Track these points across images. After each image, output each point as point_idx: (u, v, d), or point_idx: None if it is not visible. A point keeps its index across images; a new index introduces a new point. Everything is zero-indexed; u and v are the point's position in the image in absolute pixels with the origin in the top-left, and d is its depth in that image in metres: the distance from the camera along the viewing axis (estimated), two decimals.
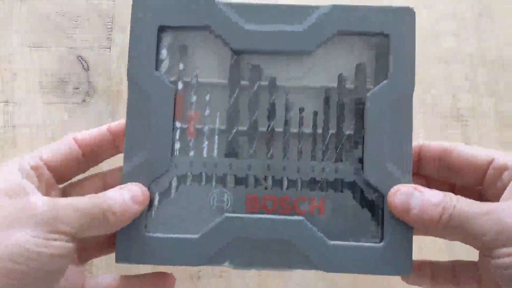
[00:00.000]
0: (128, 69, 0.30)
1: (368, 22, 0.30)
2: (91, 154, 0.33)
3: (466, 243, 0.26)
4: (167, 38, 0.31)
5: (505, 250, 0.24)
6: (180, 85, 0.31)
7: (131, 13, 0.30)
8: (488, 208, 0.25)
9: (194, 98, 0.31)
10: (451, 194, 0.26)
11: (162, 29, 0.30)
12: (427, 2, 0.45)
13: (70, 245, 0.27)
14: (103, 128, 0.33)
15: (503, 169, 0.27)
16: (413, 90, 0.29)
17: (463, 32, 0.45)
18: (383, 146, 0.29)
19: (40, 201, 0.27)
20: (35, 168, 0.30)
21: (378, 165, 0.29)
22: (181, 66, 0.31)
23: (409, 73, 0.29)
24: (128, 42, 0.30)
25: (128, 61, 0.30)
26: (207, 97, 0.31)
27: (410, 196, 0.27)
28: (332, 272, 0.28)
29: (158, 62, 0.30)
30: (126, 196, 0.28)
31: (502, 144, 0.42)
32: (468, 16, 0.45)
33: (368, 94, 0.29)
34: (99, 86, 0.45)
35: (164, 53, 0.30)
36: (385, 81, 0.29)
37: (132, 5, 0.30)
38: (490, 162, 0.28)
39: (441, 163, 0.31)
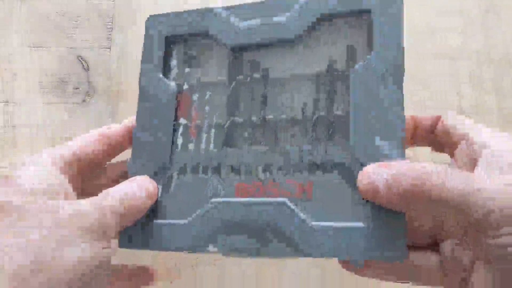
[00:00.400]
0: (139, 77, 0.34)
1: (349, 1, 0.29)
2: (114, 149, 0.33)
3: (453, 220, 0.24)
4: (176, 49, 0.34)
5: (503, 229, 0.22)
6: (185, 86, 0.33)
7: (145, 29, 0.34)
8: (478, 183, 0.23)
9: (196, 96, 0.33)
10: (423, 165, 0.24)
11: (171, 42, 0.34)
12: None
13: (113, 249, 0.27)
14: (124, 124, 0.33)
15: (470, 144, 0.26)
16: (401, 62, 0.28)
17: (469, 28, 0.44)
18: (369, 121, 0.27)
19: (87, 206, 0.26)
20: (69, 164, 0.29)
21: (365, 141, 0.27)
22: (187, 70, 0.33)
23: (395, 44, 0.28)
24: (141, 53, 0.34)
25: (140, 69, 0.34)
26: (207, 95, 0.32)
27: (377, 175, 0.24)
28: (315, 257, 0.27)
29: (167, 69, 0.34)
30: (143, 194, 0.29)
31: None
32: (475, 13, 0.44)
33: (351, 69, 0.28)
34: (99, 86, 0.45)
35: (174, 62, 0.34)
36: (368, 56, 0.28)
37: (146, 22, 0.35)
38: (462, 138, 0.27)
39: (430, 135, 0.29)
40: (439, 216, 0.26)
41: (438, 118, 0.29)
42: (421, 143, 0.31)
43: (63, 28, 0.45)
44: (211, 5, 0.47)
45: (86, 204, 0.26)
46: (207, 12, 0.33)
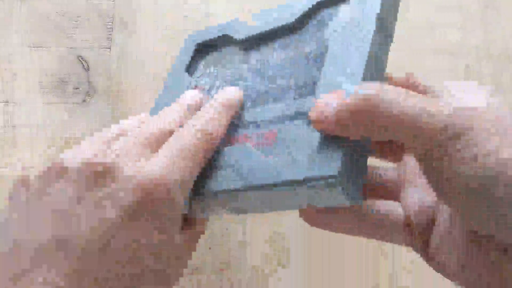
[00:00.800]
0: (168, 74, 0.38)
1: None
2: None
3: (394, 137, 0.23)
4: (202, 55, 0.39)
5: (440, 147, 0.21)
6: (203, 81, 0.36)
7: (184, 42, 0.40)
8: (418, 98, 0.22)
9: (208, 85, 0.36)
10: (373, 84, 0.23)
11: (200, 50, 0.39)
12: None
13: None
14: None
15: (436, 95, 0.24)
16: (375, 11, 0.28)
17: (468, 24, 0.44)
18: (336, 66, 0.28)
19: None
20: None
21: (328, 82, 0.28)
22: (208, 70, 0.37)
23: (369, 6, 0.29)
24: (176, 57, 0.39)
25: (171, 66, 0.39)
26: (217, 84, 0.36)
27: (327, 101, 0.23)
28: (257, 182, 0.27)
29: (193, 70, 0.38)
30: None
31: None
32: (474, 8, 0.44)
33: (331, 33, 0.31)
34: (99, 86, 0.45)
35: (200, 66, 0.38)
36: (349, 17, 0.30)
37: (185, 39, 0.40)
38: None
39: None
40: (394, 139, 0.24)
41: (410, 76, 0.27)
42: None
43: (63, 28, 0.45)
44: (211, 5, 0.48)
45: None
46: (229, 22, 0.38)
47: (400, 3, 0.31)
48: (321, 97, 0.24)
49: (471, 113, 0.21)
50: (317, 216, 0.28)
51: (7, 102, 0.44)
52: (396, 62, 0.37)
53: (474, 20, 0.44)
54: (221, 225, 0.41)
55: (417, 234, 0.26)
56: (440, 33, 0.44)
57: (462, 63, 0.43)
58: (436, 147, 0.21)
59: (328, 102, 0.24)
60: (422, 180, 0.27)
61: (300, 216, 0.28)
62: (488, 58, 0.43)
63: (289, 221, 0.41)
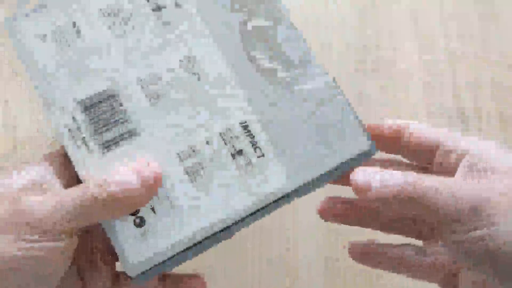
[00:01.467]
0: None
1: None
2: None
3: (423, 217, 0.27)
4: None
5: (461, 227, 0.24)
6: None
7: None
8: (446, 184, 0.25)
9: None
10: (411, 172, 0.26)
11: None
12: (432, 1, 0.45)
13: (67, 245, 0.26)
14: None
15: (449, 152, 0.28)
16: None
17: (467, 32, 0.45)
18: None
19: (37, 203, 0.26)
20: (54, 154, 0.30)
21: None
22: None
23: None
24: None
25: None
26: None
27: (371, 175, 0.26)
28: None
29: None
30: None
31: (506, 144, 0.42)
32: (473, 16, 0.45)
33: None
34: None
35: None
36: None
37: None
38: (438, 147, 0.28)
39: (396, 143, 0.30)
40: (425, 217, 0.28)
41: (399, 130, 0.30)
42: (387, 151, 0.32)
43: None
44: None
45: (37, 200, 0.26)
46: None
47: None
48: (365, 170, 0.27)
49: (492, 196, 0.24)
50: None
51: (7, 102, 0.44)
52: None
53: (473, 28, 0.44)
54: None
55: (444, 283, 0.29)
56: (440, 41, 0.44)
57: (461, 71, 0.44)
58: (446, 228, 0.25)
59: (371, 175, 0.26)
60: None
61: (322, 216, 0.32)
62: (488, 65, 0.44)
63: None
